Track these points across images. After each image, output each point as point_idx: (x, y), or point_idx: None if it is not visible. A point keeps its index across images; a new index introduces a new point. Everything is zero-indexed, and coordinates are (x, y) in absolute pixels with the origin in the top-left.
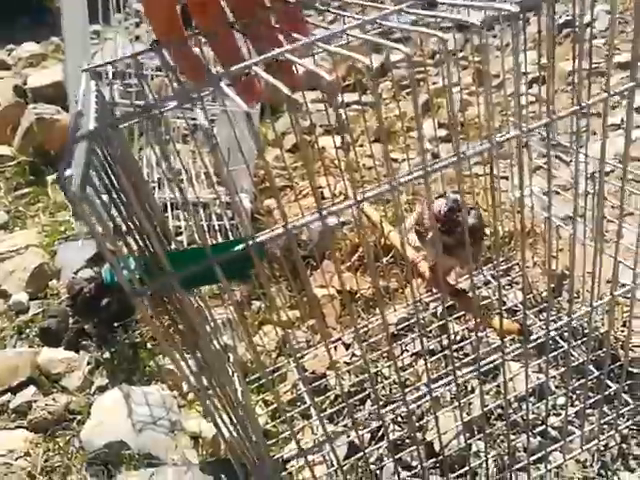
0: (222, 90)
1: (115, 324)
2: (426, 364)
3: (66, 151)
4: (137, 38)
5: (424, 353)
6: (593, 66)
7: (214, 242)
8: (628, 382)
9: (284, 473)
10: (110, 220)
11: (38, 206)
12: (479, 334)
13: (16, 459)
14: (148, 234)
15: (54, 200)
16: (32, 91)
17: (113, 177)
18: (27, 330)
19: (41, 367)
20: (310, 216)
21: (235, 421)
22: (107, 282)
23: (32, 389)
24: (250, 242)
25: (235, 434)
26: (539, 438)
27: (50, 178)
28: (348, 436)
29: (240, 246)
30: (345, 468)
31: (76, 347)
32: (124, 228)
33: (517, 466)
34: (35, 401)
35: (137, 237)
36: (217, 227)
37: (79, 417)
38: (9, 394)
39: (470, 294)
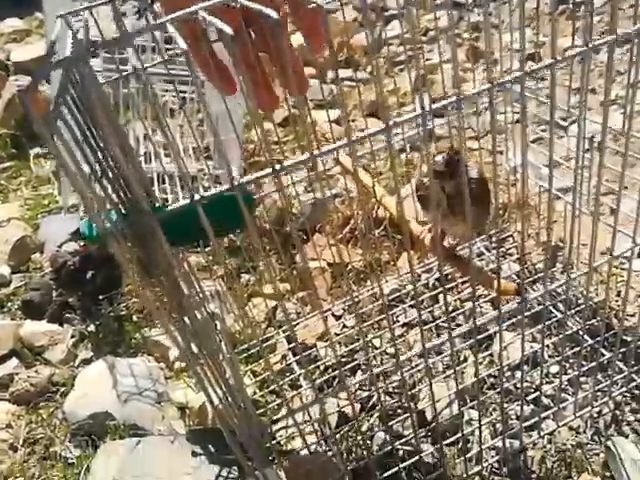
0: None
1: (100, 297)
2: (422, 332)
3: (37, 74)
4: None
5: (419, 322)
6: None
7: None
8: (622, 350)
9: (274, 442)
10: (84, 161)
11: (20, 180)
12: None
13: None
14: (125, 177)
15: (37, 174)
16: (15, 65)
17: (86, 119)
18: (9, 303)
19: (24, 340)
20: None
21: (224, 388)
22: (84, 235)
23: (14, 361)
24: (236, 183)
25: (224, 401)
26: (532, 406)
27: (32, 152)
28: (338, 405)
29: (226, 186)
30: (336, 437)
31: (60, 320)
32: (99, 173)
33: (509, 433)
34: (17, 373)
35: (114, 183)
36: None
37: (63, 389)
38: None
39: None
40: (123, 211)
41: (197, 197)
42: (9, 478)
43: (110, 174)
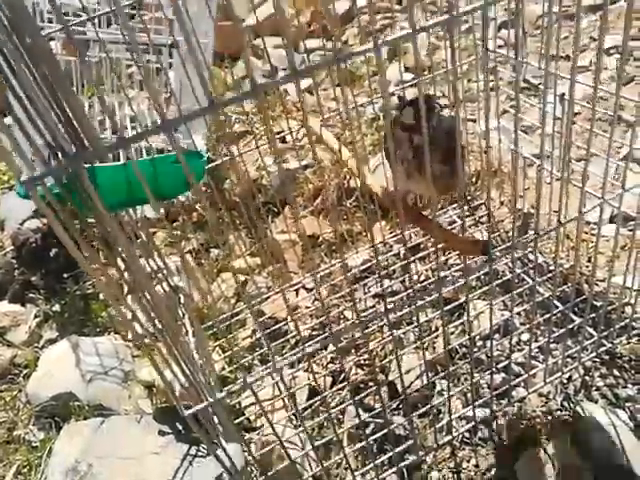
0: None
1: (65, 275)
2: (385, 305)
3: None
4: None
5: (385, 294)
6: (562, 9)
7: None
8: (592, 315)
9: (242, 418)
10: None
11: None
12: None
13: None
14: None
15: None
16: None
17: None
18: None
19: None
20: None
21: (183, 366)
22: (21, 195)
23: None
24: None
25: (184, 378)
26: (503, 374)
27: None
28: (308, 379)
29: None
30: (306, 413)
31: (22, 300)
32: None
33: (480, 402)
34: None
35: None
36: None
37: (25, 371)
38: None
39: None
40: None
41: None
42: None
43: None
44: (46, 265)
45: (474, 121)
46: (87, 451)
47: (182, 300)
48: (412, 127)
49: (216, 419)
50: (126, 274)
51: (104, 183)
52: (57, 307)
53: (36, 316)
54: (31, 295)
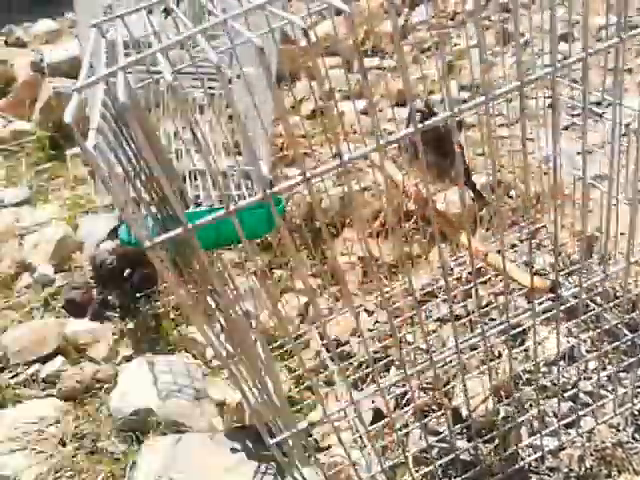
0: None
1: (137, 295)
2: (454, 328)
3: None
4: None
5: (451, 318)
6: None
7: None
8: None
9: (309, 439)
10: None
11: (59, 180)
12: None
13: (47, 426)
14: (161, 186)
15: (74, 174)
16: (49, 67)
17: (123, 131)
18: (53, 302)
19: (68, 338)
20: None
21: (260, 387)
22: (124, 241)
23: (60, 359)
24: (268, 191)
25: (260, 399)
26: (570, 402)
27: (69, 152)
28: (373, 402)
29: (258, 196)
30: (371, 434)
31: (101, 318)
32: (138, 183)
33: (547, 431)
34: (64, 370)
35: (151, 192)
36: (236, 197)
37: (106, 385)
38: (38, 364)
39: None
40: (157, 215)
41: (232, 207)
42: (59, 471)
43: (143, 177)
44: (121, 285)
45: (532, 140)
46: (168, 466)
47: (254, 324)
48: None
49: (291, 442)
50: (210, 300)
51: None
52: (131, 325)
53: (113, 334)
54: (108, 313)
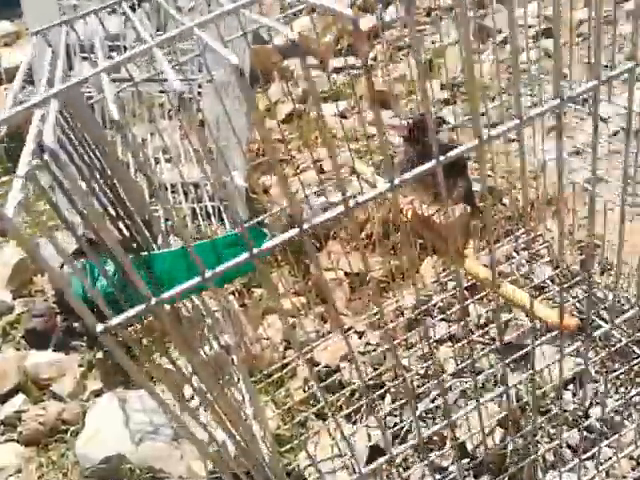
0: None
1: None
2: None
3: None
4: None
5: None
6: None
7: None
8: None
9: None
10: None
11: None
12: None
13: (7, 477)
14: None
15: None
16: (6, 72)
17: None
18: (12, 332)
19: (29, 372)
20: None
21: (241, 435)
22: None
23: (21, 397)
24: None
25: (239, 445)
26: (585, 432)
27: None
28: (369, 439)
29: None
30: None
31: (66, 348)
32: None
33: (566, 468)
34: (25, 411)
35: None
36: (210, 208)
37: (73, 428)
38: None
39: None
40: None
41: (208, 274)
42: None
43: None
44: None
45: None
46: None
47: (235, 360)
48: (409, 138)
49: None
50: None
51: (163, 270)
52: (100, 355)
53: (79, 365)
54: (74, 343)
